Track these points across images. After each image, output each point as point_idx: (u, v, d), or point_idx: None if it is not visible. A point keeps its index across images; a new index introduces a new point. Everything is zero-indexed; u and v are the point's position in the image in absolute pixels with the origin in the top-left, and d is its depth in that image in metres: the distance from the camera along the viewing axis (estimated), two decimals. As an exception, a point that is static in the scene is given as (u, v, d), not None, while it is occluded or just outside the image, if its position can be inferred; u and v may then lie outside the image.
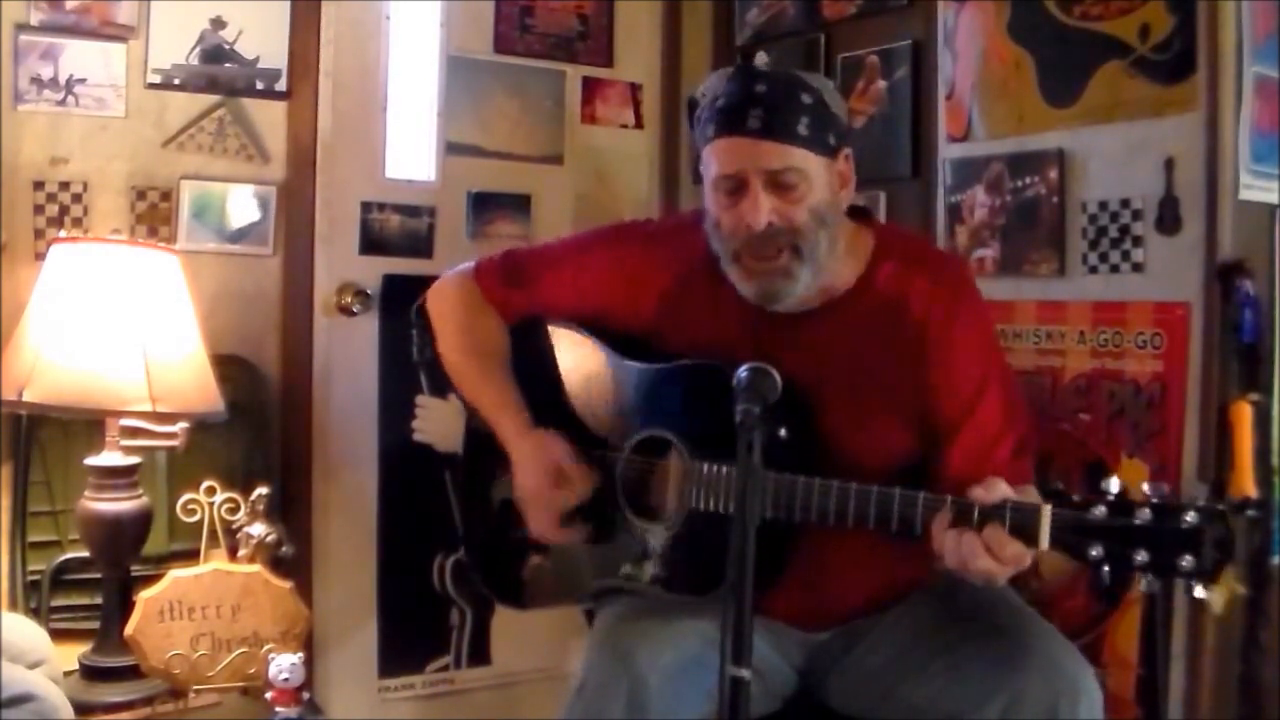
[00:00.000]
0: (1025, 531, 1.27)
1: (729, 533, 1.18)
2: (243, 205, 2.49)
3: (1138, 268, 2.05)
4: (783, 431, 1.47)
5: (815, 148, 1.49)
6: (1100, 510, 1.22)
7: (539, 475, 1.61)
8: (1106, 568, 1.22)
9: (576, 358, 1.72)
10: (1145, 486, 1.23)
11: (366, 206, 2.66)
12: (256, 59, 2.49)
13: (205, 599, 2.03)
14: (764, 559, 1.43)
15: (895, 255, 1.60)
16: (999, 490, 1.31)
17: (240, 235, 2.49)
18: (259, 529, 2.13)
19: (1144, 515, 1.20)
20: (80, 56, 2.31)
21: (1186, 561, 1.18)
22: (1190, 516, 1.18)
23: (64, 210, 2.31)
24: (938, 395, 1.54)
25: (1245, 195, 1.94)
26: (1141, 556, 1.20)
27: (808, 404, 1.50)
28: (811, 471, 1.46)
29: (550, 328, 1.75)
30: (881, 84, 2.52)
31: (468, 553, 1.88)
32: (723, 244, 1.55)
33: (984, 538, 1.29)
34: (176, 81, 2.42)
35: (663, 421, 1.58)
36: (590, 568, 1.66)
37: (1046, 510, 1.26)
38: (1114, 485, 1.24)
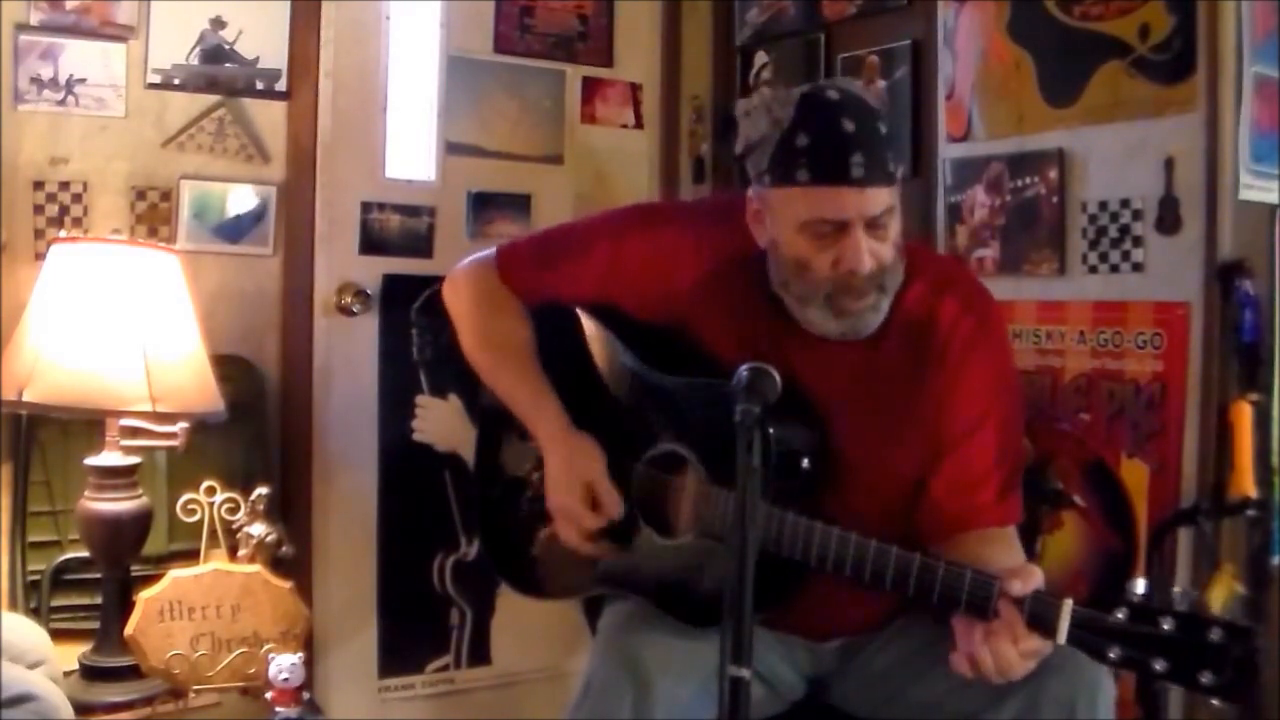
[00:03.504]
0: (1043, 623, 1.24)
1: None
2: (243, 205, 2.49)
3: (1138, 268, 2.05)
4: (805, 463, 1.45)
5: (895, 181, 1.46)
6: (1123, 613, 1.19)
7: (572, 490, 1.56)
8: (1122, 670, 1.20)
9: (598, 359, 1.69)
10: (1175, 591, 1.21)
11: (366, 206, 2.66)
12: (256, 59, 2.49)
13: (205, 599, 2.03)
14: (782, 574, 1.43)
15: (925, 276, 1.56)
16: (1033, 582, 1.27)
17: (240, 235, 2.49)
18: (259, 529, 2.13)
19: (1168, 624, 1.17)
20: (80, 56, 2.31)
21: (1207, 678, 1.14)
22: (1215, 633, 1.14)
23: (64, 210, 2.31)
24: (937, 419, 1.52)
25: (1245, 195, 1.94)
26: (1161, 665, 1.16)
27: (830, 427, 1.49)
28: (827, 490, 1.45)
29: (572, 322, 1.70)
30: (881, 84, 2.52)
31: (483, 538, 1.83)
32: (809, 287, 1.48)
33: (1013, 635, 1.26)
34: (176, 81, 2.42)
35: (682, 437, 1.55)
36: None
37: (1067, 604, 1.23)
38: (1139, 587, 1.21)
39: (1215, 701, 1.15)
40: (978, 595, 1.27)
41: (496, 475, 1.78)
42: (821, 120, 1.42)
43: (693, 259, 1.60)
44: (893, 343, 1.53)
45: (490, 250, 1.76)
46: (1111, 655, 1.19)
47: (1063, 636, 1.22)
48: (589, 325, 1.69)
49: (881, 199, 1.43)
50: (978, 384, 1.52)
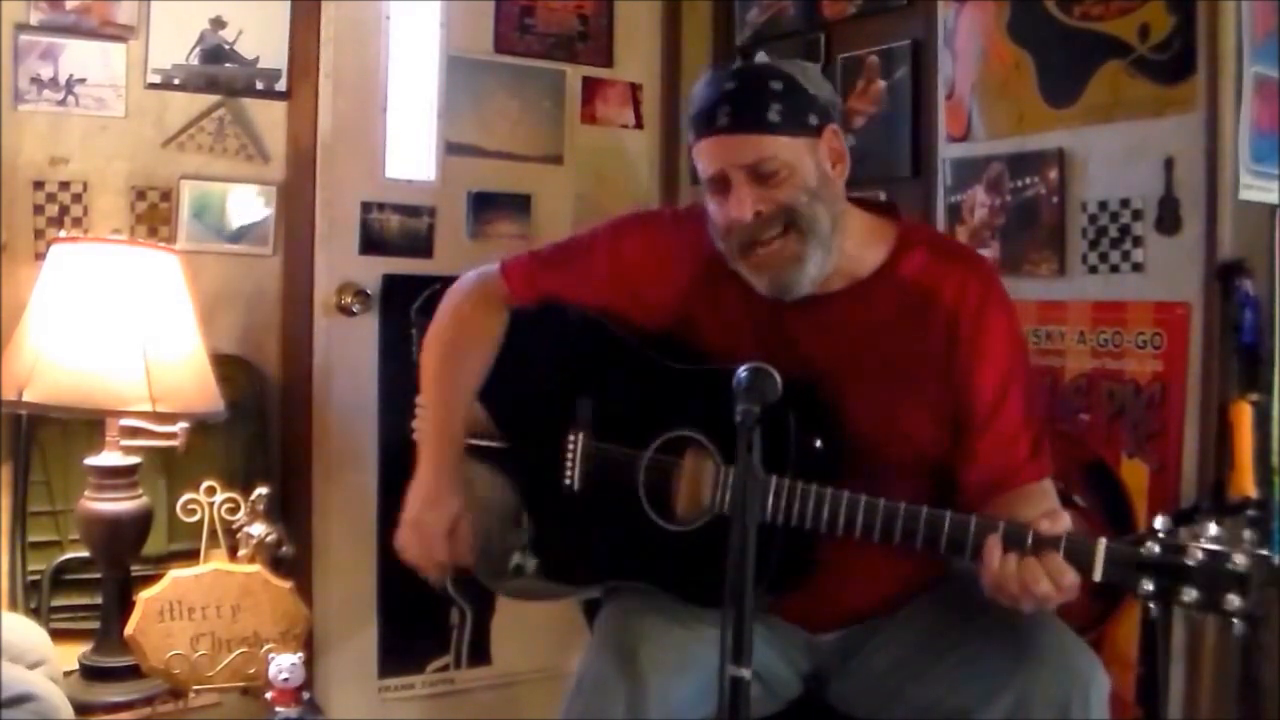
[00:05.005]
0: (1079, 562, 1.30)
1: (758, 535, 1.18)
2: (243, 205, 2.49)
3: (1138, 268, 2.05)
4: (819, 443, 1.46)
5: (792, 131, 1.48)
6: (1153, 546, 1.26)
7: (440, 512, 1.65)
8: (1154, 602, 1.27)
9: (603, 353, 1.70)
10: (1195, 527, 1.28)
11: (366, 206, 2.66)
12: (256, 59, 2.49)
13: (205, 599, 2.03)
14: (793, 562, 1.44)
15: (923, 245, 1.59)
16: (1062, 524, 1.33)
17: (240, 235, 2.49)
18: (259, 529, 2.13)
19: (1196, 554, 1.24)
20: (80, 56, 2.31)
21: (1233, 602, 1.22)
22: (1240, 559, 1.22)
23: (64, 210, 2.31)
24: (964, 393, 1.54)
25: (1245, 195, 1.94)
26: (1191, 594, 1.24)
27: (831, 389, 1.50)
28: (837, 462, 1.46)
29: (574, 320, 1.72)
30: (881, 84, 2.52)
31: None
32: (724, 245, 1.55)
33: (1043, 563, 1.31)
34: (176, 81, 2.42)
35: (692, 422, 1.56)
36: (493, 560, 1.69)
37: (1101, 543, 1.29)
38: (1160, 523, 1.28)
39: (1238, 624, 1.23)
40: (1013, 540, 1.33)
41: None
42: (711, 86, 1.52)
43: (687, 254, 1.63)
44: (889, 303, 1.56)
45: (495, 264, 1.78)
46: (1145, 588, 1.26)
47: (1099, 574, 1.28)
48: (590, 321, 1.70)
49: (755, 147, 1.47)
50: (997, 348, 1.55)
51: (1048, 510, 1.36)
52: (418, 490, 1.69)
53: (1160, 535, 1.27)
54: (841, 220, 1.54)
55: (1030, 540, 1.31)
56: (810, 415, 1.46)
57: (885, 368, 1.54)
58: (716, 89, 1.50)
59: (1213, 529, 1.25)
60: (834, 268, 1.55)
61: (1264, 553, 1.22)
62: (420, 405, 1.78)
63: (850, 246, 1.56)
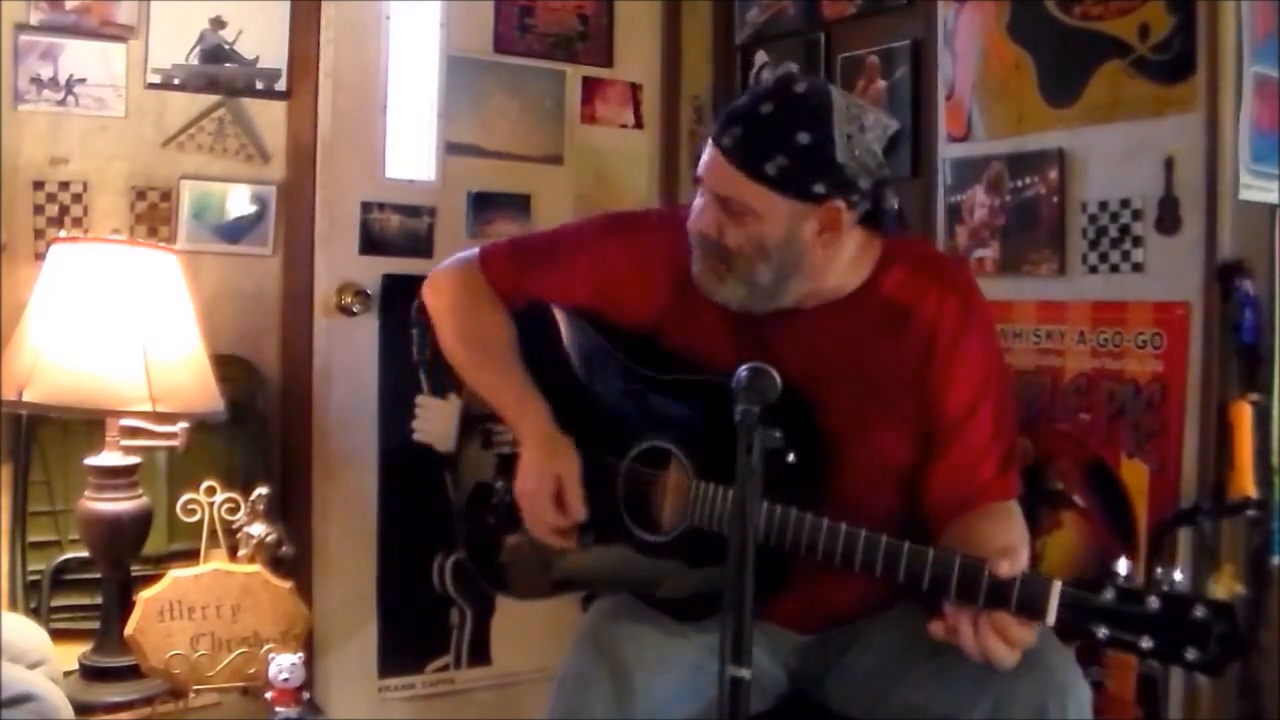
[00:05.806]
0: (1033, 605, 1.26)
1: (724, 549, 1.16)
2: (243, 205, 2.49)
3: (1138, 268, 2.05)
4: (791, 457, 1.45)
5: (783, 191, 1.45)
6: (1109, 594, 1.23)
7: (543, 482, 1.57)
8: (1112, 649, 1.24)
9: (584, 358, 1.70)
10: (1157, 572, 1.24)
11: (366, 206, 2.66)
12: (256, 59, 2.49)
13: (205, 599, 2.03)
14: (772, 565, 1.43)
15: (903, 261, 1.58)
16: (1019, 563, 1.29)
17: (240, 235, 2.49)
18: (259, 529, 2.13)
19: (1152, 604, 1.20)
20: (80, 56, 2.31)
21: (1191, 654, 1.18)
22: (1199, 611, 1.18)
23: (64, 210, 2.31)
24: (934, 407, 1.53)
25: (1245, 195, 1.94)
26: (1147, 644, 1.20)
27: (808, 402, 1.49)
28: (815, 477, 1.46)
29: (558, 322, 1.72)
30: (881, 84, 2.52)
31: (461, 540, 1.87)
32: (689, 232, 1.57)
33: (994, 621, 1.28)
34: (176, 81, 2.42)
35: (668, 433, 1.56)
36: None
37: (1056, 586, 1.25)
38: (1122, 567, 1.24)
39: (1201, 676, 1.18)
40: (967, 578, 1.29)
41: (462, 482, 1.80)
42: (755, 93, 1.49)
43: (670, 261, 1.63)
44: (868, 321, 1.55)
45: (473, 250, 1.78)
46: (1100, 635, 1.22)
47: (1052, 618, 1.24)
48: (572, 325, 1.70)
49: (734, 185, 1.46)
50: (970, 365, 1.53)
51: (1005, 547, 1.31)
52: (523, 464, 1.61)
53: (1119, 581, 1.23)
54: (799, 273, 1.52)
55: (985, 577, 1.27)
56: (785, 428, 1.45)
57: (862, 383, 1.54)
58: (754, 101, 1.47)
59: (1177, 575, 1.22)
60: (807, 292, 1.54)
61: (1225, 601, 1.19)
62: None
63: (833, 274, 1.55)
